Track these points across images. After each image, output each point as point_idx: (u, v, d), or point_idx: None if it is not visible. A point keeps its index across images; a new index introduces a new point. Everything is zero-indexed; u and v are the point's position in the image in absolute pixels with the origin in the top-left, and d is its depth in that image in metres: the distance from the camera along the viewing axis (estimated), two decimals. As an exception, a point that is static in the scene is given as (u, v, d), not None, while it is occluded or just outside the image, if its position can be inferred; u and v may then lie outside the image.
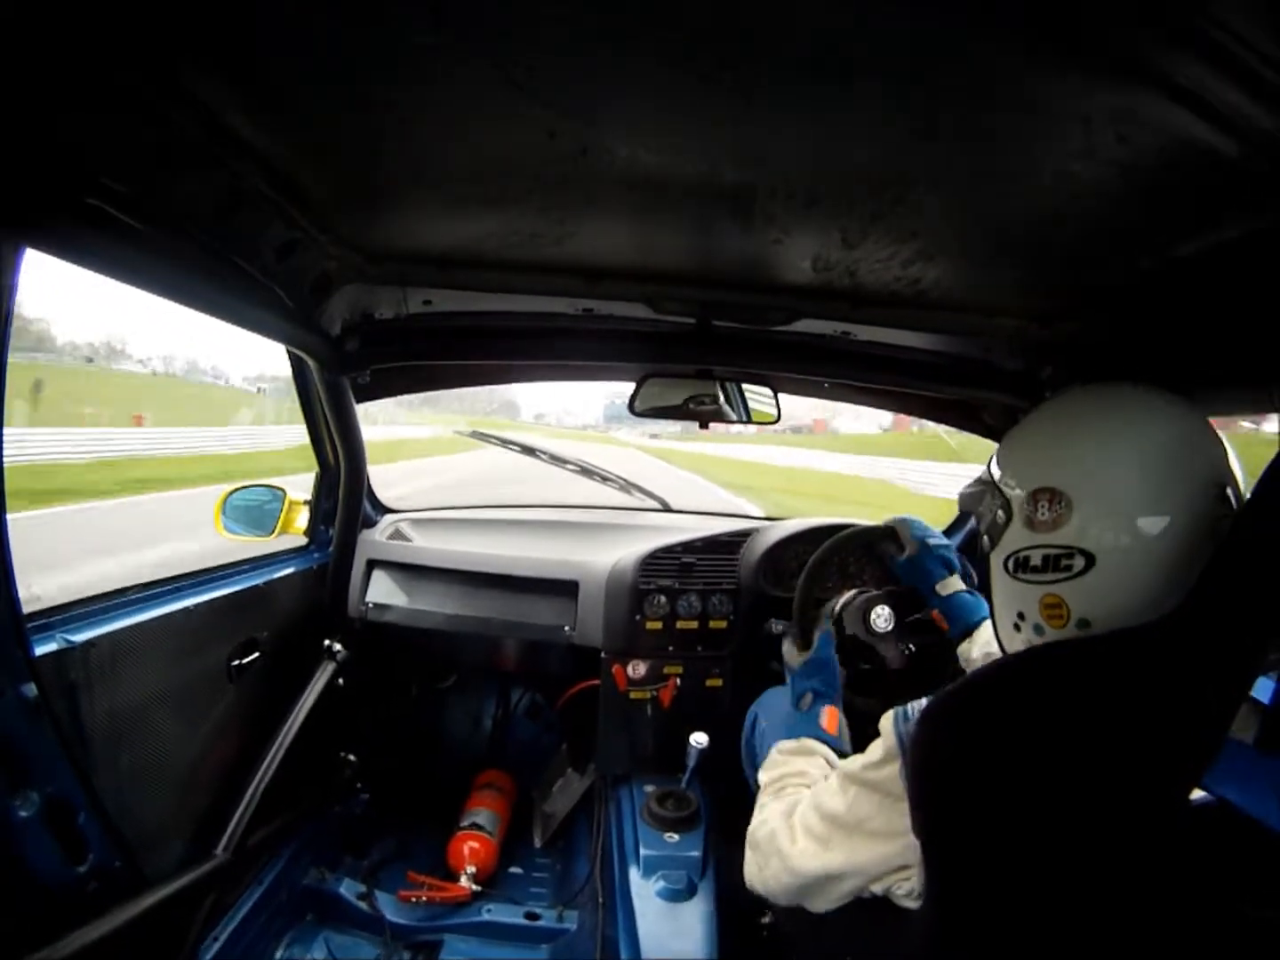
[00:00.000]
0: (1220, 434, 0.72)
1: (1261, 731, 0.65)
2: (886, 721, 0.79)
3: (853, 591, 1.49)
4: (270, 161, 0.86)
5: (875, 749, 0.79)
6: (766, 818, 0.93)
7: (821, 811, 0.83)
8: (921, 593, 1.36)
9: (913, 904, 0.76)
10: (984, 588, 1.32)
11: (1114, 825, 0.63)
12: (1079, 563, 0.70)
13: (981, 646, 1.22)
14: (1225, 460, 0.70)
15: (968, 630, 1.26)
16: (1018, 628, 0.78)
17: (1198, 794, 0.67)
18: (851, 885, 0.81)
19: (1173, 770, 0.63)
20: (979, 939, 0.69)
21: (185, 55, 0.66)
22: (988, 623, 1.23)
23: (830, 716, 1.10)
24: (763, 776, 1.02)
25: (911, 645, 1.38)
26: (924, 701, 0.75)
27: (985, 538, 0.82)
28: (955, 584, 1.32)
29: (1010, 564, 0.77)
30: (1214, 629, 0.60)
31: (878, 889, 0.80)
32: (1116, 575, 0.68)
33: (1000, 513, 0.78)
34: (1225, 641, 0.60)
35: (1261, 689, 0.68)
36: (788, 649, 1.27)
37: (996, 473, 0.81)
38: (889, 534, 1.40)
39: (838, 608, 1.49)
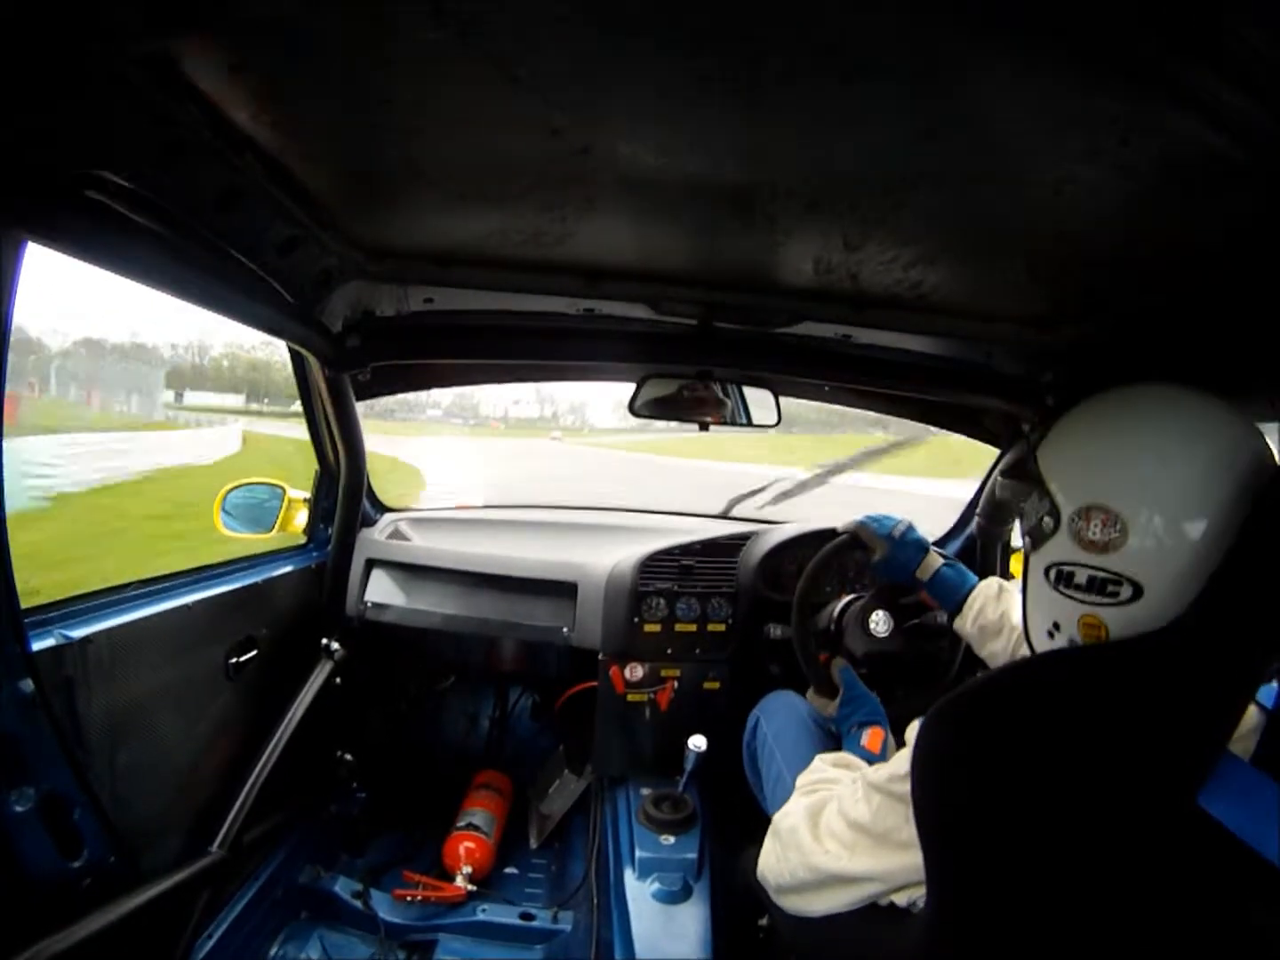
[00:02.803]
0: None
1: (1260, 749, 0.64)
2: (911, 732, 0.77)
3: (845, 600, 1.49)
4: (271, 157, 0.86)
5: (901, 760, 0.77)
6: (791, 811, 0.94)
7: (847, 818, 0.82)
8: (906, 584, 1.37)
9: None
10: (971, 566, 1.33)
11: (1115, 831, 0.63)
12: (1126, 591, 0.66)
13: (974, 619, 1.23)
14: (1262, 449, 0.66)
15: (959, 606, 1.27)
16: (1051, 635, 0.76)
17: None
18: (869, 891, 0.80)
19: (1176, 775, 0.63)
20: (978, 943, 0.69)
21: (187, 49, 0.66)
22: (975, 592, 1.25)
23: (872, 736, 1.13)
24: (800, 780, 1.03)
25: (920, 644, 1.40)
26: None
27: (1026, 537, 0.78)
28: (933, 563, 1.31)
29: (1052, 574, 0.73)
30: (1221, 636, 0.60)
31: (902, 899, 0.79)
32: (1162, 606, 0.65)
33: (1047, 519, 0.73)
34: (1232, 648, 0.60)
35: (1264, 695, 0.68)
36: (817, 701, 1.31)
37: (1046, 472, 0.75)
38: (854, 543, 1.40)
39: (836, 612, 1.49)
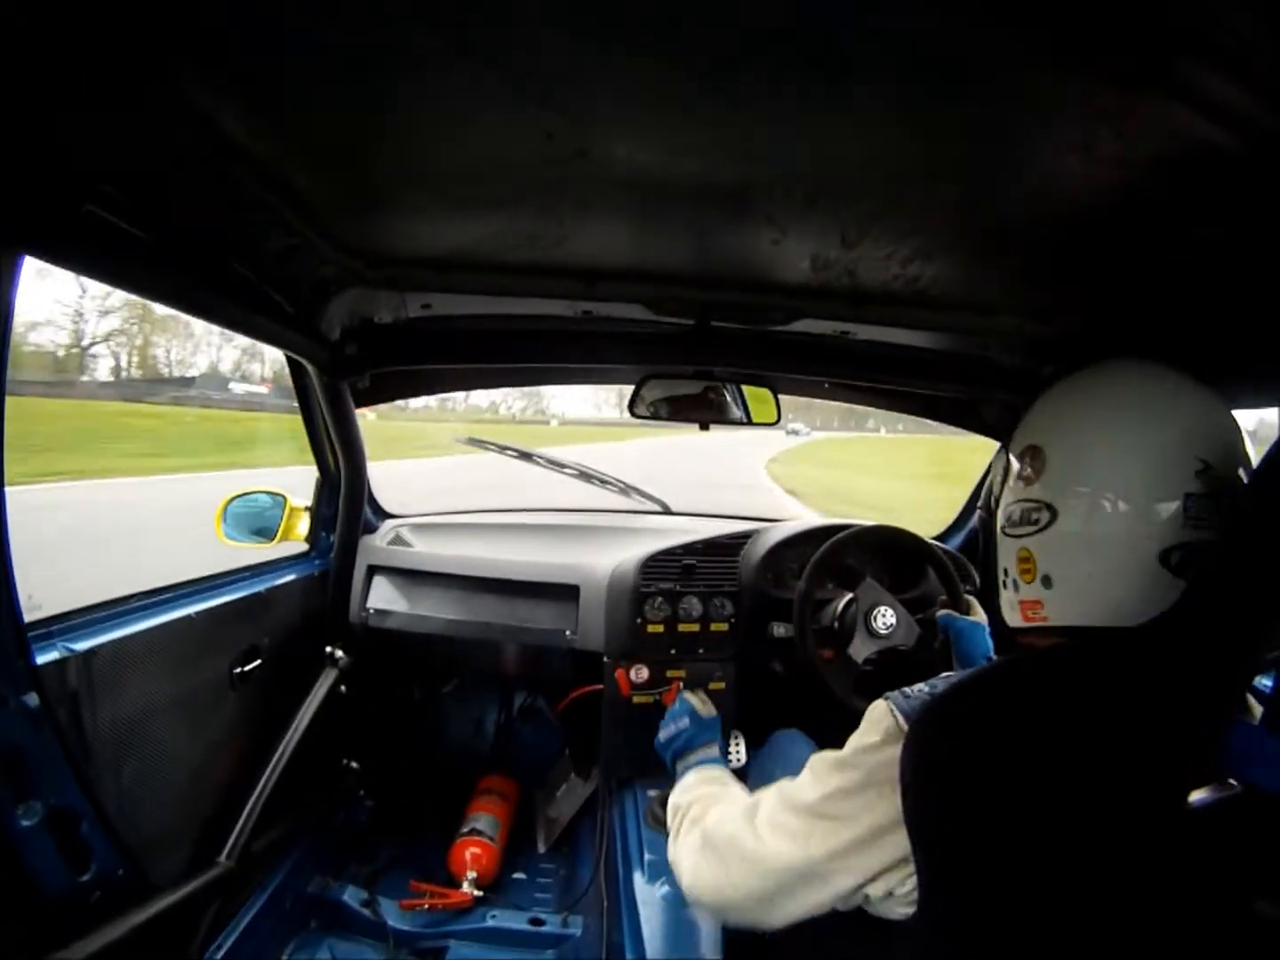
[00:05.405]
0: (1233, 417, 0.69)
1: (1269, 713, 0.65)
2: (880, 705, 0.75)
3: (847, 598, 1.49)
4: (268, 167, 0.86)
5: (870, 732, 0.74)
6: (726, 817, 0.86)
7: (795, 804, 0.76)
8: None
9: (908, 909, 0.71)
10: (984, 593, 1.34)
11: (1113, 829, 0.62)
12: (1044, 516, 0.71)
13: None
14: (1220, 442, 0.66)
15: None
16: (1004, 584, 0.80)
17: (1206, 792, 0.67)
18: (840, 886, 0.73)
19: (1171, 772, 0.63)
20: (975, 951, 0.68)
21: (184, 61, 0.66)
22: None
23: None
24: (680, 798, 1.01)
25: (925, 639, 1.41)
26: (923, 686, 0.73)
27: (995, 505, 0.83)
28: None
29: (1004, 522, 0.80)
30: (1210, 629, 0.59)
31: (876, 890, 0.73)
32: (1074, 535, 0.69)
33: (1002, 474, 0.81)
34: (1222, 642, 0.59)
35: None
36: (696, 702, 1.37)
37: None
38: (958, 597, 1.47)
39: (839, 609, 1.49)
